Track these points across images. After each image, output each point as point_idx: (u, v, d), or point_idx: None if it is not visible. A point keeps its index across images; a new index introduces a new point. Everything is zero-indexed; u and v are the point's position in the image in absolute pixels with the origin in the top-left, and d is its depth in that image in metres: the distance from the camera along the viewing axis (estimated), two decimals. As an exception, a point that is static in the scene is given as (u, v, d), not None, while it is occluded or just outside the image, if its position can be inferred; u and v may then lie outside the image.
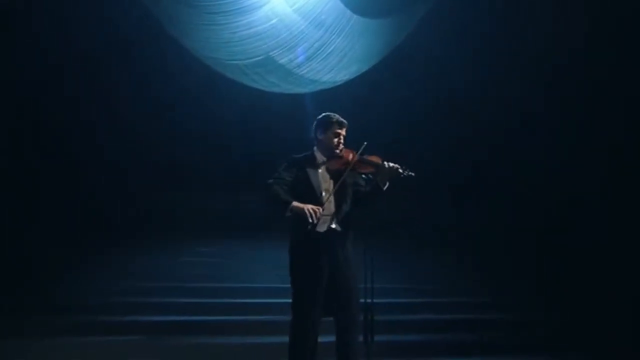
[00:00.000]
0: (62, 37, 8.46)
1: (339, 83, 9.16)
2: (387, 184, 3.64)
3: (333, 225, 3.62)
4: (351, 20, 8.37)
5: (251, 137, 10.02)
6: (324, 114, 3.83)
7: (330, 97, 8.86)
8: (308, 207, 3.45)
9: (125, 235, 8.14)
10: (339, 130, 3.75)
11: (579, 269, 7.19)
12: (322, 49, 8.58)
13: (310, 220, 3.42)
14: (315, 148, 3.84)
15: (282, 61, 8.66)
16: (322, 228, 3.58)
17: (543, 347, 5.72)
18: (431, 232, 8.78)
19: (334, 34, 8.47)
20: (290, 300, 3.68)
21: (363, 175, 3.80)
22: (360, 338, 3.65)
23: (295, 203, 3.50)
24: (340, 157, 3.73)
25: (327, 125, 3.77)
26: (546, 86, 8.97)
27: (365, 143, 3.69)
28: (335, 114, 3.81)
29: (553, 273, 7.28)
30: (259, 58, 8.59)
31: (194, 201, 9.63)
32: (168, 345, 5.32)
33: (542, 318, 6.46)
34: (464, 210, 9.33)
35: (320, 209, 3.48)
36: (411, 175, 3.60)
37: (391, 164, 3.62)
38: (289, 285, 3.70)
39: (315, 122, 3.85)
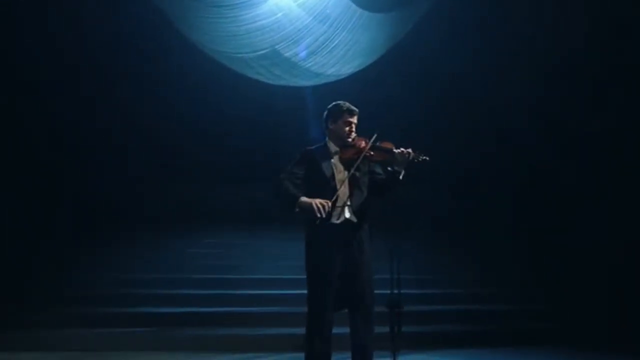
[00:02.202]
0: (63, 34, 8.28)
1: (343, 76, 9.03)
2: (403, 170, 3.50)
3: (348, 216, 3.46)
4: (356, 14, 8.25)
5: (255, 131, 9.88)
6: (333, 103, 3.67)
7: (333, 91, 8.80)
8: (316, 202, 3.26)
9: (131, 228, 8.02)
10: (350, 119, 3.60)
11: (582, 264, 7.17)
12: (327, 42, 8.46)
13: (319, 215, 3.24)
14: (327, 138, 3.68)
15: (288, 54, 8.55)
16: (337, 219, 3.44)
17: (550, 338, 5.68)
18: (432, 225, 8.71)
19: (338, 27, 8.34)
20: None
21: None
22: (374, 330, 3.54)
23: (302, 198, 3.32)
24: (352, 145, 3.57)
25: (338, 113, 3.62)
26: (546, 85, 8.89)
27: (376, 135, 3.53)
28: (345, 102, 3.65)
29: (556, 266, 7.26)
30: (265, 51, 8.47)
31: (198, 194, 9.47)
32: (176, 337, 5.25)
33: (548, 310, 6.42)
34: (464, 204, 9.25)
35: (329, 203, 3.29)
36: (425, 159, 3.48)
37: (404, 150, 3.47)
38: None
39: (325, 112, 3.69)
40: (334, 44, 8.46)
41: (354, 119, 3.63)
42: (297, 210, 3.34)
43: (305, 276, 3.54)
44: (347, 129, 3.59)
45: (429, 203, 9.12)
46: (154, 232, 8.10)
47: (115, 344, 5.05)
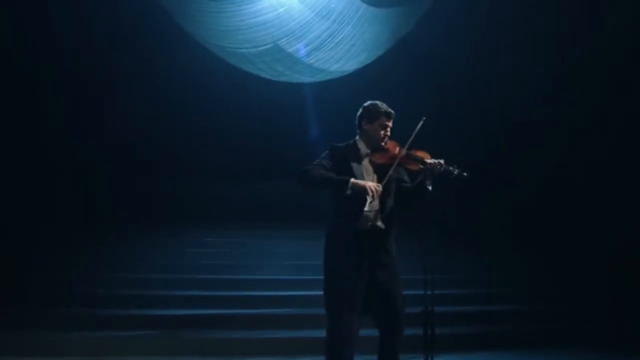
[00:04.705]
0: (64, 32, 8.08)
1: (346, 72, 8.86)
2: (432, 182, 3.28)
3: (377, 223, 3.25)
4: (360, 10, 8.13)
5: (258, 129, 9.65)
6: (370, 102, 3.41)
7: (334, 88, 8.66)
8: (369, 184, 3.10)
9: (131, 227, 7.82)
10: (387, 122, 3.35)
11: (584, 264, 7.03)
12: (331, 38, 8.32)
13: (371, 200, 3.08)
14: (357, 137, 3.44)
15: (290, 50, 8.40)
16: (365, 226, 3.22)
17: (569, 339, 5.48)
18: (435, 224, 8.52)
19: (342, 23, 8.22)
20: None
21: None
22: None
23: (353, 180, 3.15)
24: (385, 150, 3.35)
25: (375, 115, 3.36)
26: (553, 81, 8.77)
27: (413, 136, 3.28)
28: (383, 104, 3.39)
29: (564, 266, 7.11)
30: (267, 46, 8.33)
31: (198, 191, 9.26)
32: (180, 340, 5.02)
33: (567, 309, 6.23)
34: (471, 203, 9.10)
35: (380, 187, 3.12)
36: (464, 175, 3.24)
37: (438, 161, 3.25)
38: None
39: (360, 110, 3.43)
40: (338, 39, 8.32)
41: (390, 123, 3.39)
42: (349, 192, 3.13)
43: (321, 277, 3.35)
44: (382, 132, 3.37)
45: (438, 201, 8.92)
46: (155, 230, 7.90)
47: (119, 347, 4.81)
